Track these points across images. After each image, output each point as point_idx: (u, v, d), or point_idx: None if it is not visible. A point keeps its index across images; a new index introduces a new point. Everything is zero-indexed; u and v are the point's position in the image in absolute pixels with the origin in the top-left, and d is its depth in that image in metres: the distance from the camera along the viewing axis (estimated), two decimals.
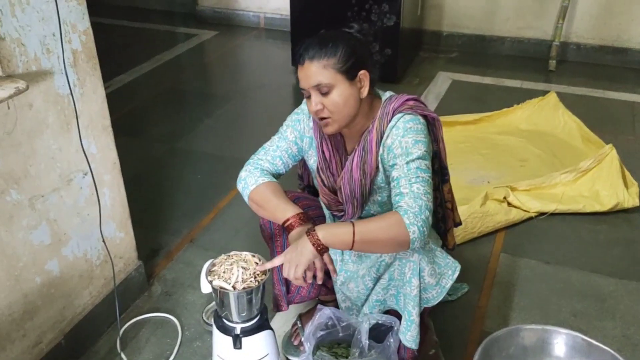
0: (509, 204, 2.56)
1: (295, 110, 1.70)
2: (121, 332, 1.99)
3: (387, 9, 3.73)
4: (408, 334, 1.58)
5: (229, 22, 5.33)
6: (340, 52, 1.46)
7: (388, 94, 1.61)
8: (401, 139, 1.49)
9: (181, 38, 5.08)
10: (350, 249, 1.43)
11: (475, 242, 2.42)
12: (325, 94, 1.47)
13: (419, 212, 1.39)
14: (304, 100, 1.67)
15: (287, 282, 1.75)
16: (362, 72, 1.49)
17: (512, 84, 4.04)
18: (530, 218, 2.56)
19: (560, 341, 1.72)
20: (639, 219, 2.56)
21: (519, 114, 3.38)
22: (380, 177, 1.60)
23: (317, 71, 1.46)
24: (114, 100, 3.75)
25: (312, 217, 1.70)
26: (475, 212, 2.42)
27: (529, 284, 2.22)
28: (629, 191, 2.61)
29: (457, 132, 3.24)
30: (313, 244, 1.42)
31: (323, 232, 1.43)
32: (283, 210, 1.55)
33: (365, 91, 1.52)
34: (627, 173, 2.71)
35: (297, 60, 1.51)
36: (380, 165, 1.57)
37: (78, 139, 1.67)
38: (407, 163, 1.46)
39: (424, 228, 1.39)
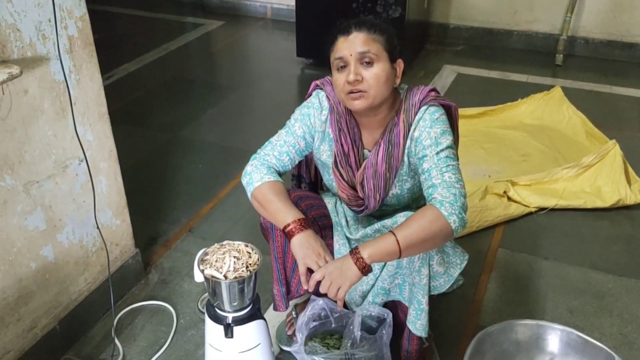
0: (509, 199, 2.55)
1: (305, 104, 1.67)
2: (117, 319, 2.00)
3: (392, 1, 3.71)
4: (418, 323, 1.58)
5: (236, 12, 5.32)
6: (387, 33, 1.50)
7: (404, 86, 1.61)
8: (429, 129, 1.50)
9: (188, 27, 5.08)
10: (399, 258, 1.42)
11: (474, 236, 2.40)
12: (367, 66, 1.46)
13: (454, 200, 1.40)
14: (315, 93, 1.66)
15: (287, 284, 1.74)
16: (399, 60, 1.53)
17: (518, 78, 4.01)
18: (530, 213, 2.55)
19: (555, 337, 1.71)
20: None
21: (523, 108, 3.36)
22: (405, 169, 1.60)
23: (366, 41, 1.46)
24: (118, 88, 3.84)
25: (313, 220, 1.70)
26: (474, 206, 2.40)
27: (526, 280, 2.21)
28: (632, 188, 2.58)
29: (460, 125, 3.16)
30: (358, 266, 1.40)
31: (368, 252, 1.40)
32: (284, 215, 1.52)
33: (398, 80, 1.54)
34: (630, 169, 2.68)
35: (339, 31, 1.49)
36: (405, 158, 1.57)
37: (73, 126, 1.67)
38: (437, 153, 1.48)
39: (463, 214, 1.40)
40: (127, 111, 3.54)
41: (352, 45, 1.46)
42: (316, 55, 4.20)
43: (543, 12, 4.34)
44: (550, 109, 3.31)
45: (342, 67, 1.49)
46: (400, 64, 1.53)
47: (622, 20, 4.17)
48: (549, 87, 3.55)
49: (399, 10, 3.73)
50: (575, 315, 2.04)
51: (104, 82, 1.81)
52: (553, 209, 2.56)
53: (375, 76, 1.46)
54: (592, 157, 2.66)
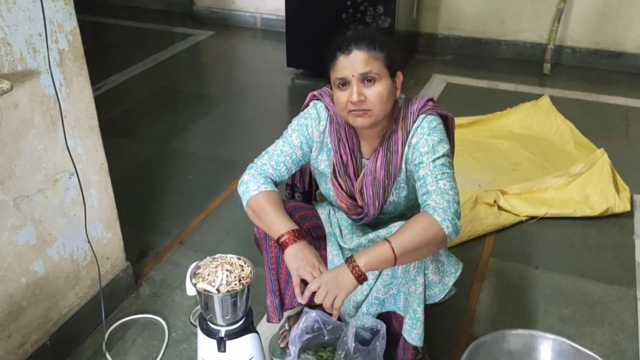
0: (500, 208, 2.56)
1: (302, 115, 1.67)
2: (108, 333, 1.98)
3: (382, 11, 3.73)
4: (414, 332, 1.58)
5: (226, 22, 5.33)
6: (387, 47, 1.49)
7: (402, 96, 1.62)
8: (427, 137, 1.52)
9: (177, 38, 5.08)
10: (394, 265, 1.42)
11: (465, 245, 2.41)
12: (369, 85, 1.47)
13: (447, 206, 1.41)
14: (312, 103, 1.66)
15: (280, 295, 1.73)
16: (399, 72, 1.53)
17: (506, 87, 4.04)
18: (521, 222, 2.56)
19: (547, 347, 1.71)
20: (629, 224, 2.56)
21: (512, 117, 3.38)
22: (402, 177, 1.61)
23: (367, 60, 1.45)
24: (107, 100, 3.82)
25: (307, 232, 1.70)
26: (465, 216, 2.41)
27: (518, 289, 2.22)
28: (620, 196, 2.61)
29: None
30: (354, 275, 1.40)
31: (364, 260, 1.40)
32: (278, 225, 1.52)
33: (399, 92, 1.55)
34: (618, 178, 2.71)
35: (339, 49, 1.48)
36: (403, 165, 1.59)
37: (64, 140, 1.67)
38: (433, 161, 1.49)
39: (456, 220, 1.41)
40: (116, 123, 3.53)
41: (353, 65, 1.46)
42: (306, 66, 4.21)
43: (530, 22, 4.39)
44: (538, 118, 3.34)
45: (343, 84, 1.49)
46: (399, 77, 1.54)
47: (609, 29, 4.22)
48: (537, 96, 3.58)
49: (388, 20, 3.76)
50: (567, 324, 2.05)
51: (93, 93, 1.80)
52: (543, 218, 2.58)
53: (378, 95, 1.47)
54: (581, 166, 2.69)
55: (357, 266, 1.40)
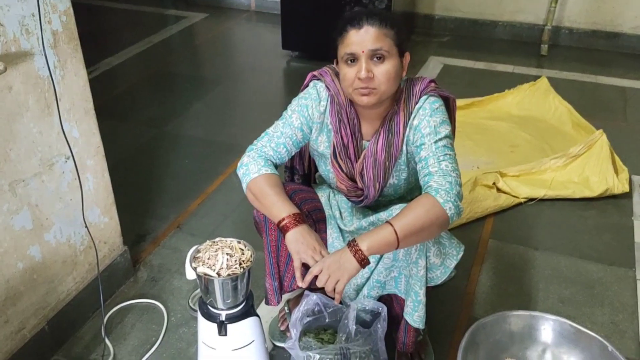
0: (498, 190, 2.55)
1: (302, 95, 1.64)
2: (106, 318, 1.97)
3: None
4: (415, 315, 1.58)
5: (220, 4, 5.27)
6: (398, 26, 1.47)
7: (404, 77, 1.59)
8: (429, 118, 1.50)
9: (171, 20, 5.02)
10: (397, 249, 1.41)
11: (464, 227, 2.41)
12: (378, 62, 1.44)
13: (450, 188, 1.40)
14: (312, 84, 1.64)
15: (279, 277, 1.72)
16: (407, 53, 1.51)
17: (504, 68, 4.02)
18: (520, 204, 2.56)
19: (548, 327, 1.71)
20: (628, 205, 2.56)
21: (510, 99, 3.37)
22: (402, 159, 1.59)
23: (378, 36, 1.43)
24: (101, 83, 3.78)
25: (307, 214, 1.68)
26: (464, 198, 2.39)
27: (518, 270, 2.21)
28: (619, 177, 2.60)
29: None
30: (357, 259, 1.39)
31: (366, 243, 1.38)
32: (279, 209, 1.50)
33: (405, 73, 1.53)
34: (617, 159, 2.70)
35: (350, 22, 1.45)
36: (404, 147, 1.57)
37: (59, 123, 1.64)
38: (435, 142, 1.48)
39: (458, 202, 1.40)
40: (111, 106, 3.49)
41: (363, 40, 1.43)
42: (302, 48, 4.17)
43: (527, 2, 4.35)
44: (536, 100, 3.33)
45: (351, 60, 1.46)
46: (407, 57, 1.52)
47: (606, 9, 4.20)
48: (534, 78, 3.56)
49: (385, 1, 3.71)
50: (567, 305, 2.05)
51: (87, 76, 1.77)
52: (542, 199, 2.57)
53: (386, 73, 1.44)
54: (580, 147, 2.68)
55: (360, 250, 1.38)
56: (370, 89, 1.45)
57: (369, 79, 1.44)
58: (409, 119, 1.54)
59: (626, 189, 2.58)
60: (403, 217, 1.40)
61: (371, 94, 1.46)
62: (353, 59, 1.45)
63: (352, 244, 1.40)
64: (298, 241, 1.48)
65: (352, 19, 1.45)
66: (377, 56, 1.43)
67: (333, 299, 1.64)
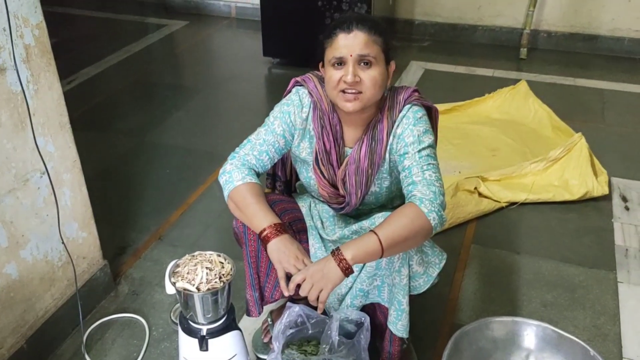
0: (480, 195, 2.56)
1: (284, 102, 1.63)
2: (86, 334, 1.94)
3: None
4: (399, 324, 1.57)
5: (200, 11, 5.25)
6: (386, 34, 1.48)
7: (389, 85, 1.59)
8: (413, 127, 1.51)
9: (151, 28, 4.99)
10: (381, 257, 1.40)
11: (446, 233, 2.41)
12: (365, 68, 1.44)
13: (433, 198, 1.40)
14: (294, 90, 1.63)
15: (260, 288, 1.71)
16: (392, 61, 1.52)
17: (484, 72, 4.04)
18: (501, 208, 2.57)
19: (530, 333, 1.72)
20: (607, 208, 2.58)
21: (490, 103, 3.38)
22: (385, 167, 1.59)
23: (367, 42, 1.43)
24: (79, 94, 3.74)
25: (288, 225, 1.68)
26: (446, 203, 2.40)
27: (500, 275, 2.22)
28: (598, 180, 2.62)
29: None
30: (341, 268, 1.38)
31: (351, 252, 1.37)
32: (260, 219, 1.50)
33: (389, 81, 1.53)
34: (596, 161, 2.72)
35: (339, 26, 1.45)
36: (387, 155, 1.57)
37: (33, 138, 1.61)
38: (419, 151, 1.48)
39: (441, 212, 1.41)
40: (89, 117, 3.45)
41: (352, 45, 1.43)
42: (283, 54, 4.16)
43: (506, 7, 4.39)
44: (516, 104, 3.35)
45: (338, 64, 1.46)
46: (392, 65, 1.52)
47: (583, 12, 4.24)
48: (514, 81, 3.58)
49: (364, 7, 3.72)
50: (549, 309, 2.06)
51: (64, 87, 1.75)
52: (523, 203, 2.58)
53: (372, 79, 1.45)
54: (559, 151, 2.69)
55: (344, 259, 1.38)
56: (355, 94, 1.45)
57: (355, 83, 1.44)
58: (392, 127, 1.54)
59: (606, 191, 2.60)
60: (387, 226, 1.39)
61: (356, 100, 1.46)
62: (340, 62, 1.45)
63: (336, 253, 1.39)
64: (280, 250, 1.47)
65: (342, 22, 1.45)
66: (364, 62, 1.44)
67: (316, 308, 1.64)
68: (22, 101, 1.57)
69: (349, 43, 1.43)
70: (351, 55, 1.43)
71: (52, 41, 1.67)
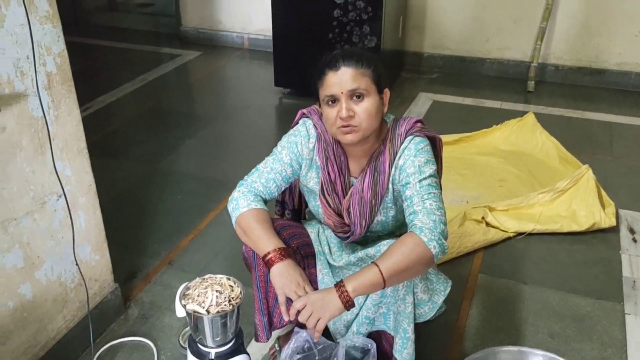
0: (488, 224, 2.58)
1: (292, 132, 1.69)
2: (96, 357, 1.96)
3: (368, 31, 3.78)
4: (405, 352, 1.59)
5: (213, 42, 5.36)
6: (374, 65, 1.52)
7: (391, 116, 1.65)
8: (414, 158, 1.54)
9: (165, 58, 5.10)
10: (383, 288, 1.43)
11: (454, 262, 2.42)
12: (358, 101, 1.49)
13: (434, 226, 1.43)
14: (302, 121, 1.69)
15: (269, 314, 1.73)
16: (386, 89, 1.56)
17: (491, 104, 4.09)
18: (509, 238, 2.58)
19: None
20: (615, 239, 2.59)
21: (498, 134, 3.42)
22: (389, 197, 1.63)
23: (355, 76, 1.48)
24: (95, 121, 3.83)
25: (296, 250, 1.71)
26: (454, 233, 2.43)
27: (507, 305, 2.23)
28: (606, 211, 2.63)
29: None
30: (342, 300, 1.42)
31: (352, 285, 1.41)
32: (264, 243, 1.55)
33: (386, 108, 1.57)
34: (603, 193, 2.74)
35: (328, 65, 1.51)
36: (390, 186, 1.60)
37: (52, 162, 1.66)
38: (420, 181, 1.51)
39: (442, 240, 1.43)
40: (105, 143, 3.52)
41: (341, 82, 1.48)
42: (294, 85, 4.24)
43: (514, 40, 4.46)
44: (524, 135, 3.38)
45: (332, 101, 1.51)
46: (387, 93, 1.57)
47: (591, 46, 4.30)
48: (522, 113, 3.62)
49: (375, 40, 3.80)
50: (556, 339, 2.06)
51: (81, 114, 1.81)
52: (530, 234, 2.60)
53: (366, 111, 1.49)
54: (567, 182, 2.72)
55: (346, 291, 1.41)
56: (352, 127, 1.50)
57: (349, 117, 1.49)
58: (394, 158, 1.58)
59: (613, 223, 2.61)
60: (388, 257, 1.42)
61: (353, 132, 1.51)
62: (334, 100, 1.50)
63: (339, 285, 1.43)
64: (282, 275, 1.51)
65: (330, 61, 1.51)
66: (356, 95, 1.49)
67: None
68: (42, 126, 1.63)
69: (338, 80, 1.48)
70: (342, 92, 1.48)
71: (72, 69, 1.73)
